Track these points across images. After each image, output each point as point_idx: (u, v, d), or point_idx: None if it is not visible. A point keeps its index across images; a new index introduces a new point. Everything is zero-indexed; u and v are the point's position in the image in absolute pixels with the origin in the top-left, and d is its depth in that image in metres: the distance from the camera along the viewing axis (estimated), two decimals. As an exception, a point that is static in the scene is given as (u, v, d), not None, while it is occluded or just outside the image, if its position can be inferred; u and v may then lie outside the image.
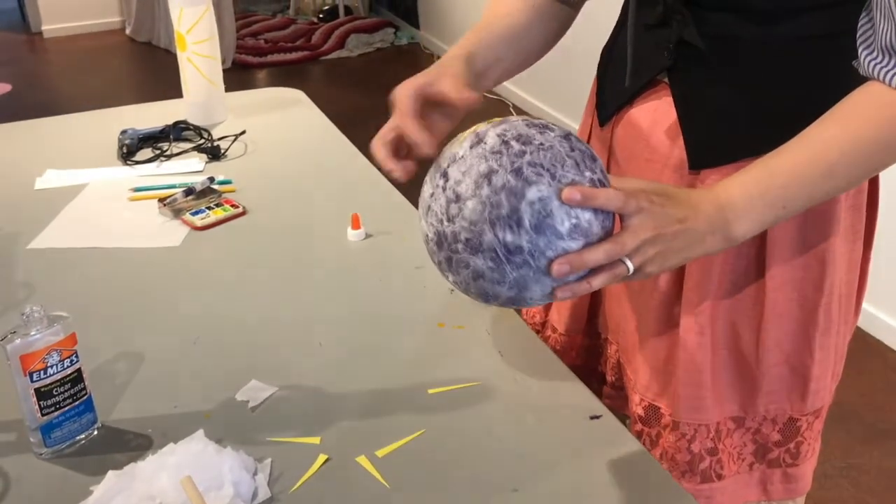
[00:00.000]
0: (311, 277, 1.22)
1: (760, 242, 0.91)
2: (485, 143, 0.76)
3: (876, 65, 0.77)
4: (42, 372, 0.85)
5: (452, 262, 0.77)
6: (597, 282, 0.75)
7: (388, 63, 5.24)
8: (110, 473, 0.84)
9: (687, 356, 0.94)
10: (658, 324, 0.98)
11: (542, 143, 0.75)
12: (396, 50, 5.49)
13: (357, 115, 4.06)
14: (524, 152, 0.74)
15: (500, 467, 0.88)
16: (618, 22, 1.03)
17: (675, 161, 0.92)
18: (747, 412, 0.98)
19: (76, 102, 4.40)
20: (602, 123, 1.02)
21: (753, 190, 0.78)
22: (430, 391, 0.99)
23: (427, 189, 0.79)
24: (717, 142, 0.89)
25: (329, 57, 5.31)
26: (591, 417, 0.95)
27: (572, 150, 0.76)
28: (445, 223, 0.76)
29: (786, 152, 0.79)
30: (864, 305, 1.03)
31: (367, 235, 1.31)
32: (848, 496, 2.01)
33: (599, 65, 1.05)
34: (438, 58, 0.95)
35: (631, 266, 0.75)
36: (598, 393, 1.15)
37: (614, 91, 0.98)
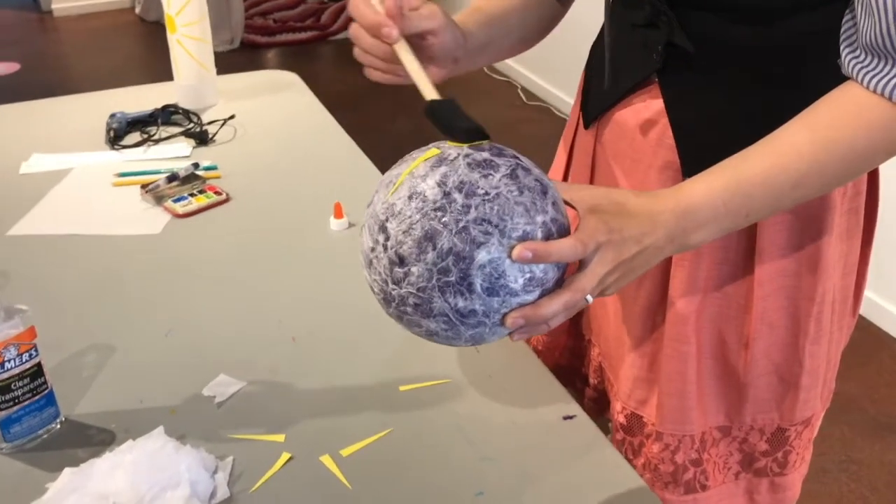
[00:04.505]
0: (289, 269, 1.20)
1: (749, 249, 0.87)
2: (425, 196, 0.68)
3: (857, 64, 0.73)
4: (-1, 366, 0.84)
5: (403, 319, 0.72)
6: (555, 322, 0.71)
7: (397, 44, 5.19)
8: (66, 471, 0.82)
9: (671, 366, 0.91)
10: (642, 331, 0.95)
11: (486, 193, 0.67)
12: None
13: (361, 96, 4.04)
14: (468, 207, 0.67)
15: (466, 470, 0.85)
16: (602, 28, 0.99)
17: (661, 162, 0.88)
18: (733, 422, 0.95)
19: (84, 83, 4.39)
20: (587, 125, 0.98)
21: (718, 199, 0.74)
22: (402, 388, 0.96)
23: (366, 240, 0.72)
24: (710, 146, 0.85)
25: (338, 37, 5.27)
26: (564, 418, 0.92)
27: (520, 191, 0.68)
28: (391, 285, 0.70)
29: (755, 157, 0.75)
30: (870, 295, 1.01)
31: (351, 225, 1.29)
32: (847, 491, 1.98)
33: (587, 65, 1.01)
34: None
35: (591, 298, 0.71)
36: (582, 394, 1.12)
37: (601, 92, 0.95)
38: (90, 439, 0.90)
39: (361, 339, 1.05)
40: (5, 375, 0.85)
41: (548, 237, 0.68)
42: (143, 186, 1.39)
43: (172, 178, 1.40)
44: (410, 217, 0.68)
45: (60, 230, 1.30)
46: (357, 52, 0.82)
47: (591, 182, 0.99)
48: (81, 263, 1.22)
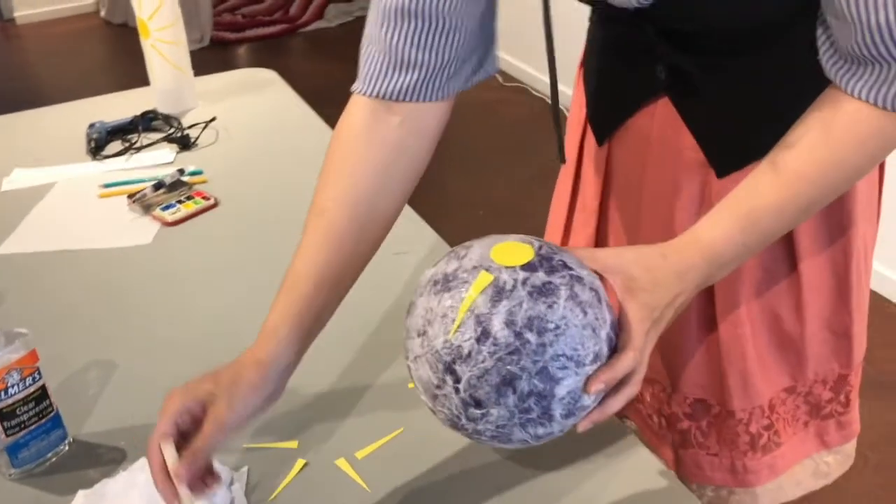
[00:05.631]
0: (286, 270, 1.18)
1: (788, 237, 0.88)
2: (496, 340, 0.65)
3: (841, 71, 0.72)
4: (2, 392, 0.82)
5: (473, 438, 0.72)
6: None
7: (368, 32, 5.15)
8: (80, 494, 0.81)
9: (730, 350, 0.93)
10: (694, 322, 0.96)
11: (557, 327, 0.66)
12: (356, 20, 5.39)
13: (338, 89, 4.01)
14: (543, 346, 0.65)
15: (484, 467, 0.85)
16: (590, 41, 0.98)
17: (688, 160, 0.89)
18: (797, 381, 0.98)
19: (54, 92, 4.32)
20: (600, 142, 0.98)
21: (738, 242, 0.76)
22: (411, 385, 0.95)
23: (426, 373, 0.69)
24: (737, 146, 0.86)
25: (308, 28, 5.21)
26: (577, 404, 0.92)
27: (584, 312, 0.68)
28: (465, 420, 0.69)
29: (766, 192, 0.75)
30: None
31: (343, 222, 1.27)
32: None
33: (586, 83, 1.01)
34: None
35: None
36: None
37: (613, 108, 0.95)
38: (100, 458, 0.89)
39: (366, 339, 1.04)
40: (9, 401, 0.83)
41: (611, 347, 0.70)
42: (130, 196, 1.37)
43: (159, 185, 1.38)
44: (484, 363, 0.66)
45: (50, 246, 1.28)
46: None
47: (604, 196, 1.00)
48: (74, 279, 1.20)
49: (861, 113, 0.72)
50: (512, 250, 0.70)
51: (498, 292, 0.67)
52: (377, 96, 0.82)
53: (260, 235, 1.28)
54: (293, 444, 0.88)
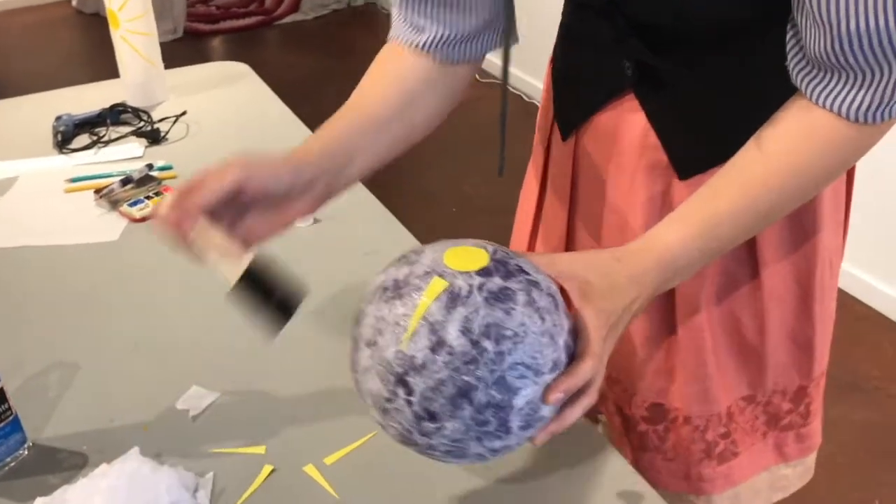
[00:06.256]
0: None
1: (750, 243, 0.88)
2: (451, 349, 0.62)
3: (807, 78, 0.71)
4: (-42, 396, 0.80)
5: (426, 454, 0.69)
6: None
7: (345, 25, 5.12)
8: (38, 501, 0.79)
9: (689, 355, 0.92)
10: (653, 325, 0.95)
11: (515, 334, 0.63)
12: (353, 11, 5.36)
13: (314, 82, 3.96)
14: (502, 355, 0.63)
15: (457, 472, 0.84)
16: (561, 34, 0.96)
17: (647, 163, 0.88)
18: (756, 390, 0.97)
19: (23, 82, 4.24)
20: (565, 137, 0.96)
21: (693, 248, 0.75)
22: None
23: (375, 385, 0.66)
24: (701, 149, 0.85)
25: (284, 21, 5.17)
26: (550, 410, 0.91)
27: (542, 318, 0.65)
28: (417, 435, 0.66)
29: (723, 198, 0.75)
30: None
31: (316, 220, 1.26)
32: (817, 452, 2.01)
33: (554, 78, 0.99)
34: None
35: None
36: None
37: (580, 103, 0.93)
38: (61, 464, 0.86)
39: (339, 340, 1.02)
40: (-34, 405, 0.81)
41: (569, 354, 0.67)
42: (97, 191, 1.34)
43: (127, 180, 1.35)
44: (439, 374, 0.63)
45: (12, 242, 1.25)
46: None
47: (572, 194, 0.98)
48: (37, 276, 1.17)
49: (826, 122, 0.71)
50: (466, 255, 0.67)
51: (453, 299, 0.64)
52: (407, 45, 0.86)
53: (230, 233, 1.25)
54: (260, 450, 0.86)
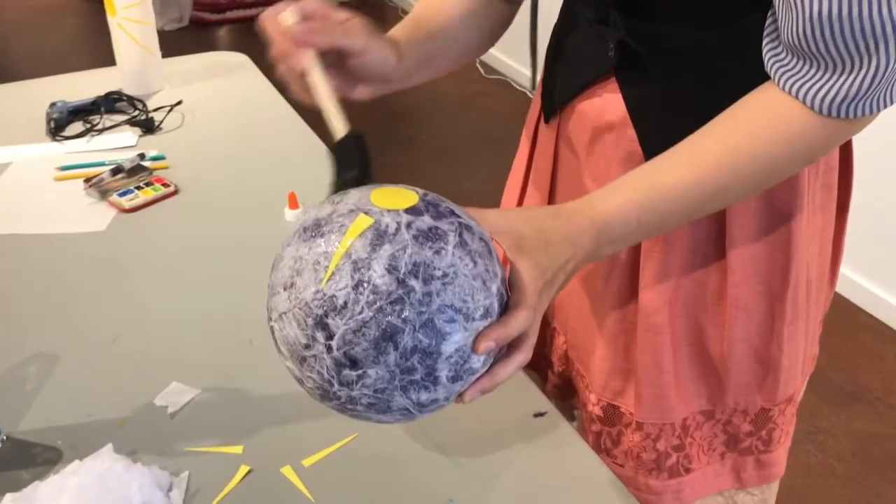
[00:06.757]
0: (243, 264, 1.15)
1: (719, 236, 0.85)
2: (375, 287, 0.58)
3: (777, 64, 0.69)
4: (-71, 388, 0.78)
5: (346, 411, 0.63)
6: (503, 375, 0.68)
7: (352, 18, 5.09)
8: (7, 497, 0.77)
9: (646, 357, 0.89)
10: (613, 322, 0.92)
11: (445, 274, 0.59)
12: (361, 3, 5.32)
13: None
14: (429, 295, 0.58)
15: (436, 476, 0.82)
16: (560, 17, 0.95)
17: (623, 153, 0.85)
18: (716, 405, 0.93)
19: (23, 67, 4.23)
20: (548, 119, 0.95)
21: (633, 216, 0.72)
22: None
23: (293, 332, 0.60)
24: (675, 139, 0.82)
25: (291, 13, 5.14)
26: (535, 415, 0.89)
27: (474, 261, 0.61)
28: (337, 386, 0.60)
29: (671, 171, 0.72)
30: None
31: (307, 215, 1.23)
32: (815, 462, 1.99)
33: (546, 59, 0.97)
34: (405, 13, 0.87)
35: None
36: (545, 378, 1.09)
37: (561, 86, 0.91)
38: (34, 459, 0.84)
39: (322, 338, 1.00)
40: (-63, 397, 0.79)
41: (502, 304, 0.63)
42: (87, 180, 1.32)
43: (117, 170, 1.33)
44: (362, 314, 0.58)
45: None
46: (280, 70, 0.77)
47: (553, 177, 0.96)
48: (21, 265, 1.16)
49: (791, 110, 0.69)
50: (394, 195, 0.62)
51: (379, 236, 0.59)
52: None
53: (220, 226, 1.24)
54: (238, 450, 0.85)
